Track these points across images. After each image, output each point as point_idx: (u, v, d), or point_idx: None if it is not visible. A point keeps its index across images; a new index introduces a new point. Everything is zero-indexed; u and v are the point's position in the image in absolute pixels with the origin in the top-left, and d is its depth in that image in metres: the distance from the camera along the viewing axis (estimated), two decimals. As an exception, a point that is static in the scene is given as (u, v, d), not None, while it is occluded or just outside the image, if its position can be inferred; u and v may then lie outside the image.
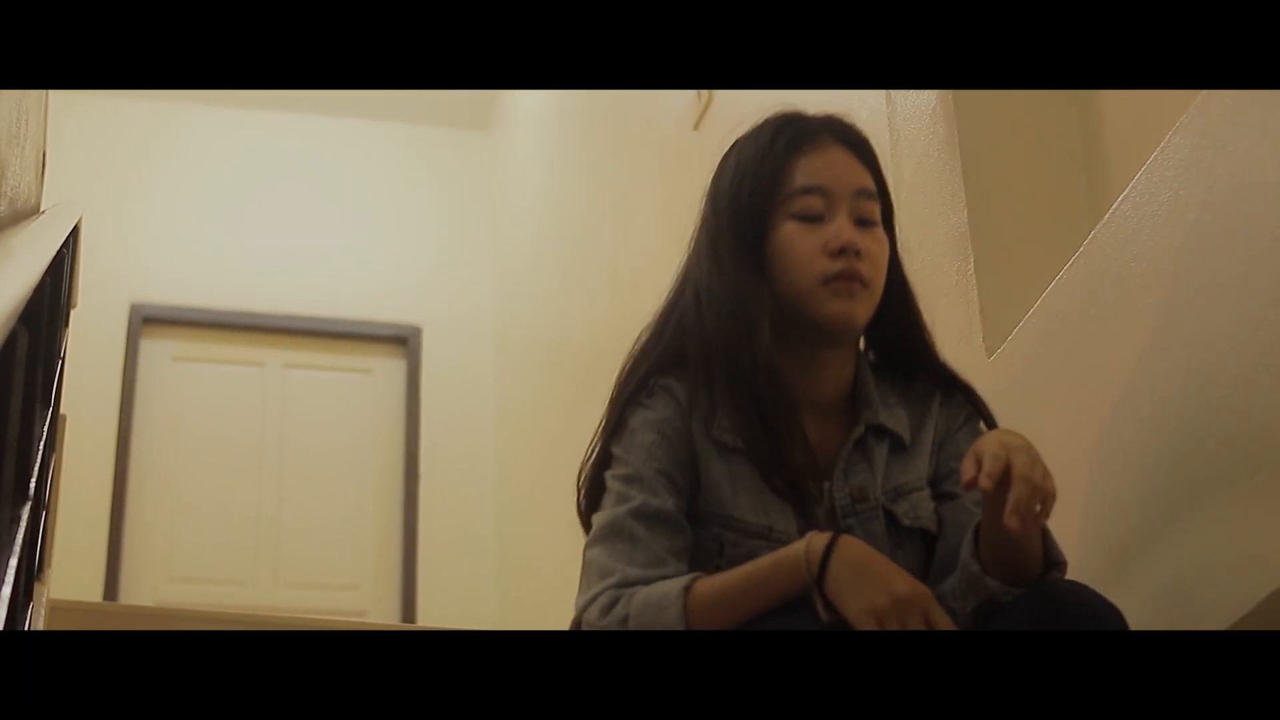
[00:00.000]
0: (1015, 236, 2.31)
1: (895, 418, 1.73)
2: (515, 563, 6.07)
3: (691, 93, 4.04)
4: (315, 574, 6.31)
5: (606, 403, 1.73)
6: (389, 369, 6.77)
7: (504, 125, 6.87)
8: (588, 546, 1.65)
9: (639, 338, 1.76)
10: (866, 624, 1.44)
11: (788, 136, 1.73)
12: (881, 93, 2.72)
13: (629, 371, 1.74)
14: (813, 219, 1.70)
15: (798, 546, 1.52)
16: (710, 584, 1.53)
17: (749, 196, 1.72)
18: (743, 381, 1.65)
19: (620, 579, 1.57)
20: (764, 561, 1.54)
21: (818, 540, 1.51)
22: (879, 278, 1.71)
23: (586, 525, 1.69)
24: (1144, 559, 1.81)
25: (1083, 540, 1.92)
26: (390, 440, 6.64)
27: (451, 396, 6.72)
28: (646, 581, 1.56)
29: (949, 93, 2.41)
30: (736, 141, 1.78)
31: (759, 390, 1.64)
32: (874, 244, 1.71)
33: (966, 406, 1.78)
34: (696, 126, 4.02)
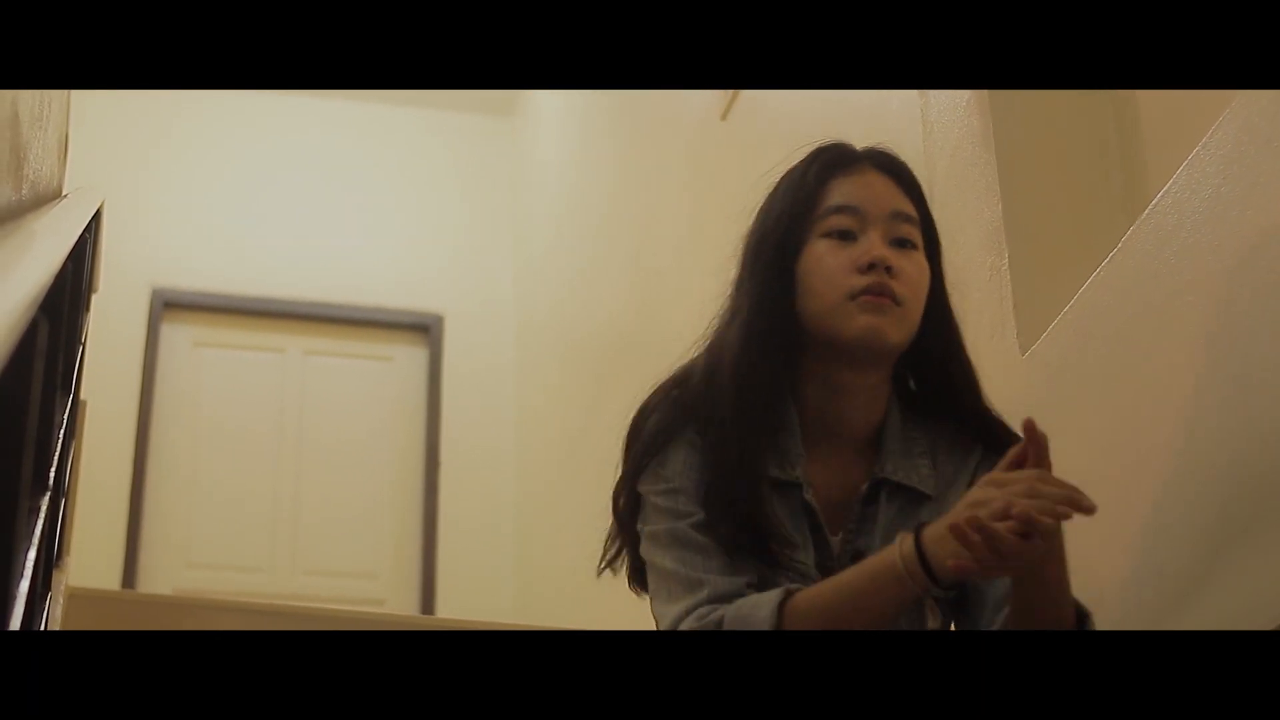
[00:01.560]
0: (1050, 231, 2.28)
1: (915, 471, 1.66)
2: (535, 551, 6.06)
3: (718, 82, 4.01)
4: (334, 561, 6.30)
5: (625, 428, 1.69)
6: (410, 357, 6.75)
7: (527, 111, 6.84)
8: (653, 552, 1.60)
9: (671, 378, 1.71)
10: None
11: (824, 161, 1.70)
12: (914, 84, 2.69)
13: (657, 400, 1.68)
14: (844, 235, 1.65)
15: (887, 558, 1.46)
16: (808, 598, 1.48)
17: (782, 219, 1.67)
18: (751, 447, 1.60)
19: (711, 592, 1.53)
20: (856, 575, 1.49)
21: (905, 542, 1.45)
22: (915, 300, 1.65)
23: (628, 534, 1.67)
24: (1171, 565, 1.78)
25: (1100, 539, 1.89)
26: (411, 428, 6.63)
27: (473, 385, 6.70)
28: (737, 590, 1.52)
29: (983, 84, 2.38)
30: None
31: (757, 461, 1.60)
32: (910, 265, 1.64)
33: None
34: (724, 116, 3.99)
